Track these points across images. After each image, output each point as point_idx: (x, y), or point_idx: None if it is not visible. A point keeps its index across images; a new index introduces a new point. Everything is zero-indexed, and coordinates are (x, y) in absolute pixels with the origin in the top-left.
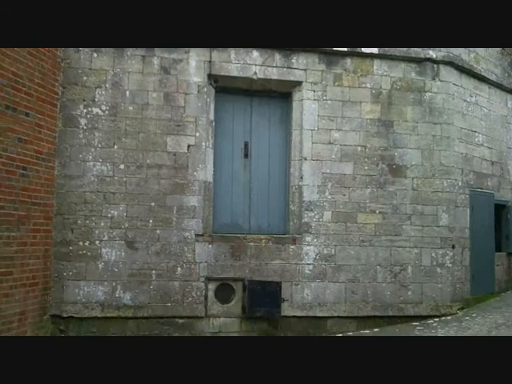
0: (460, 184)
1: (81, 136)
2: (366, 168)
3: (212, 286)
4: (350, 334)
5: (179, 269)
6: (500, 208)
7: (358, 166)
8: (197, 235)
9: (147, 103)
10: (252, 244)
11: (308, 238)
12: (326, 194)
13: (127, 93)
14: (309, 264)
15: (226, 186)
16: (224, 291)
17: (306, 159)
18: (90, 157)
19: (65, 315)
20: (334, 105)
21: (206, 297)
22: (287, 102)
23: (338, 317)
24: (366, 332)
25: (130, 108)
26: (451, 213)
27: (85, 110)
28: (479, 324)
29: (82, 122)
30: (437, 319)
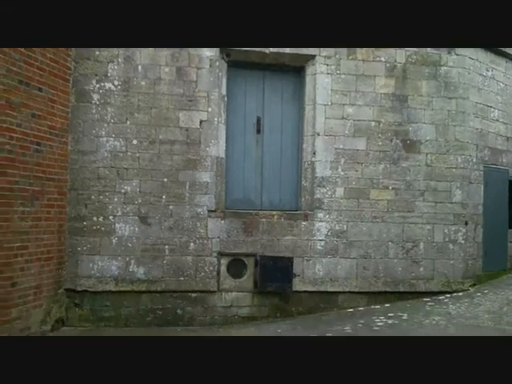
0: (474, 160)
1: (93, 111)
2: (380, 143)
3: (224, 261)
4: (361, 309)
5: (192, 244)
6: None
7: (372, 142)
8: (209, 211)
9: (159, 78)
10: (264, 220)
11: (320, 214)
12: (339, 169)
13: (139, 67)
14: (320, 240)
15: (238, 161)
16: (236, 266)
17: (318, 135)
18: (103, 132)
19: (79, 289)
20: (348, 79)
21: (218, 272)
22: (300, 77)
23: (349, 292)
24: (377, 307)
25: (143, 83)
26: (465, 189)
27: (97, 85)
28: (491, 300)
29: (95, 97)
30: (448, 295)
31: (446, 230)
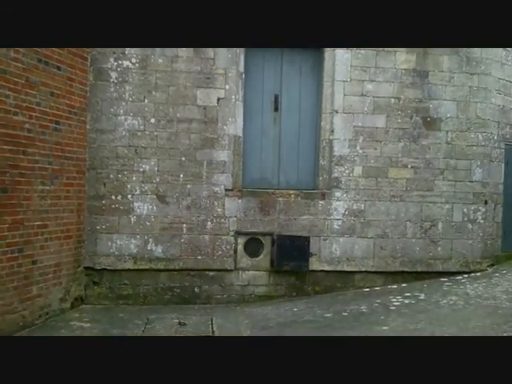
0: (495, 138)
1: (112, 90)
2: (400, 121)
3: (241, 240)
4: (378, 288)
5: (209, 223)
6: None
7: (391, 119)
8: (226, 190)
9: (177, 55)
10: (281, 199)
11: (337, 194)
12: (357, 148)
13: None
14: (338, 219)
15: (255, 140)
16: (253, 245)
17: (337, 112)
18: (121, 111)
19: (98, 267)
20: (368, 54)
21: (235, 250)
22: (319, 52)
23: (366, 272)
24: (394, 287)
25: (160, 60)
26: (485, 167)
27: (115, 63)
28: (509, 281)
29: (113, 75)
30: (466, 275)
31: (465, 210)
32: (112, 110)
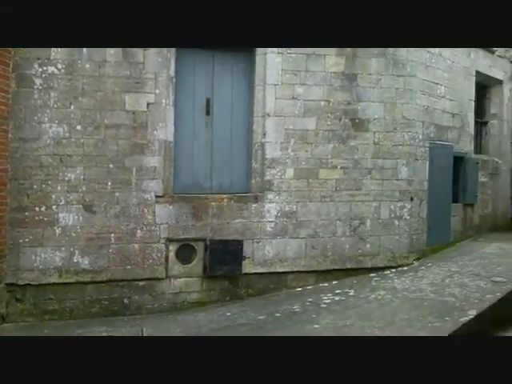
0: (420, 137)
1: (36, 96)
2: (329, 123)
3: (173, 247)
4: (310, 287)
5: (139, 231)
6: (459, 160)
7: (321, 121)
8: (157, 196)
9: (105, 60)
10: (214, 204)
11: (270, 196)
12: (289, 150)
13: (84, 50)
14: (270, 221)
15: (186, 145)
16: (185, 252)
17: (269, 115)
18: (46, 118)
19: (21, 283)
20: (298, 58)
21: (166, 258)
22: (250, 56)
23: (298, 271)
24: (325, 285)
25: (87, 66)
26: (411, 166)
27: (40, 69)
28: (434, 273)
29: (37, 81)
30: (394, 270)
31: (391, 207)
32: (36, 117)
